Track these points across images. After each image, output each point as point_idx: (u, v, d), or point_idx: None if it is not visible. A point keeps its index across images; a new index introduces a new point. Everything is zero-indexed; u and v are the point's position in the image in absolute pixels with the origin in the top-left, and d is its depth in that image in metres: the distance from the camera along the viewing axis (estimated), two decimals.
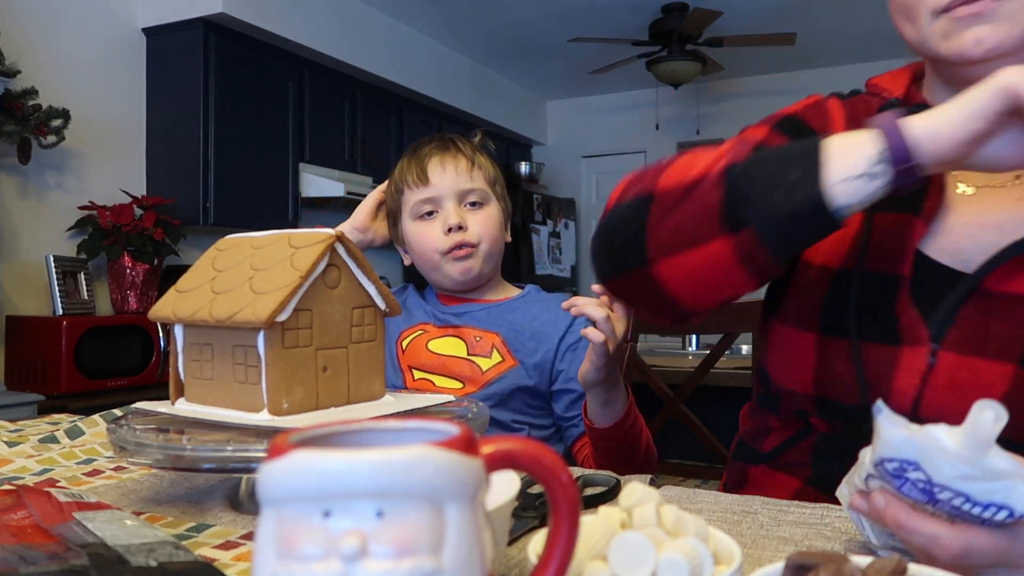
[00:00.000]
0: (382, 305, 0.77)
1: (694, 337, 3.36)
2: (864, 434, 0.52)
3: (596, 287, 0.90)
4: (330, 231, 0.72)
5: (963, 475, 0.45)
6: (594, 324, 0.94)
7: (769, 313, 0.84)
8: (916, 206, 0.72)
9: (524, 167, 5.61)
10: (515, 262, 5.13)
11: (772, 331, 0.82)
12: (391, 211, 1.25)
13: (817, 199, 0.58)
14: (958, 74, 0.72)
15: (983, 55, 0.66)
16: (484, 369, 1.15)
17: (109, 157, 3.19)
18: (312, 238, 0.71)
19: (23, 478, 0.80)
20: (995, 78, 0.54)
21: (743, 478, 0.85)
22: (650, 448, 1.10)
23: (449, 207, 1.18)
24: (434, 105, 4.85)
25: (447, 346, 1.18)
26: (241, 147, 3.45)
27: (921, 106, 0.73)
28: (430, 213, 1.19)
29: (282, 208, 3.70)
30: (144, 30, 3.36)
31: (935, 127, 0.56)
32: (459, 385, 1.14)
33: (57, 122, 2.80)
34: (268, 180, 3.63)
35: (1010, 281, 0.66)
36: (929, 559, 0.47)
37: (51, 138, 2.79)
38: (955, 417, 0.53)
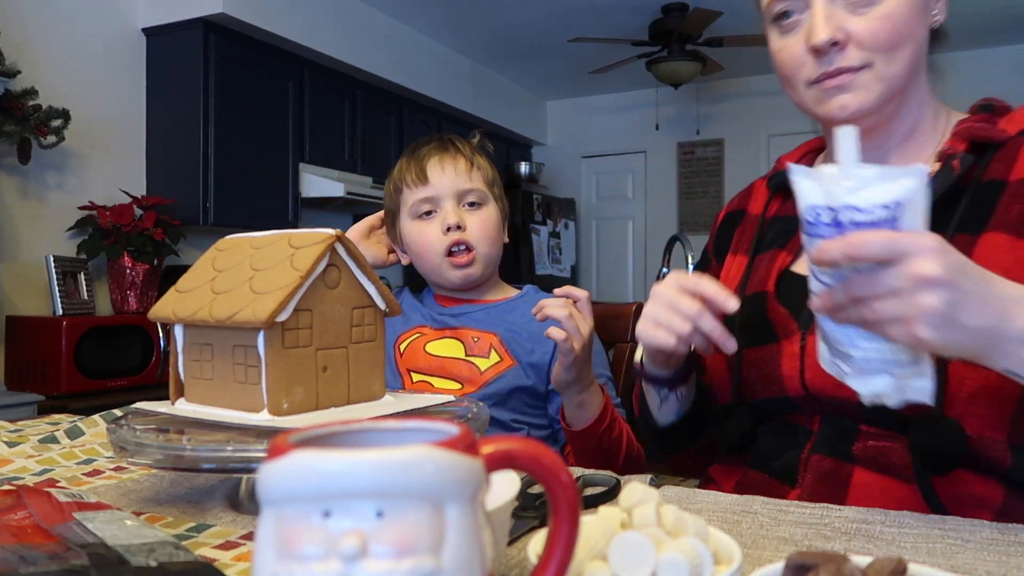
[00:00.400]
0: (382, 305, 0.77)
1: None
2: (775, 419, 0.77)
3: (558, 289, 0.94)
4: (330, 231, 0.72)
5: (848, 190, 0.54)
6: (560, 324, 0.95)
7: None
8: (784, 243, 0.92)
9: (524, 167, 5.61)
10: (515, 262, 5.13)
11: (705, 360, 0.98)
12: (389, 211, 1.25)
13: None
14: None
15: (849, 117, 0.82)
16: (483, 369, 1.14)
17: (109, 157, 3.19)
18: (312, 238, 0.71)
19: (23, 478, 0.80)
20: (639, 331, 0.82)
21: (709, 477, 0.96)
22: (633, 449, 1.10)
23: (448, 207, 1.18)
24: (434, 105, 4.85)
25: (445, 348, 1.17)
26: (241, 147, 3.45)
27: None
28: (429, 213, 1.19)
29: (282, 208, 3.70)
30: (144, 30, 3.36)
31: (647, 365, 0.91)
32: (458, 386, 1.14)
33: (57, 122, 2.80)
34: (268, 180, 3.62)
35: None
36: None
37: (51, 138, 2.79)
38: (835, 387, 0.74)
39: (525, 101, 6.00)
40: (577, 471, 0.79)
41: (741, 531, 0.62)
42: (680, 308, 0.78)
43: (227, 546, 0.59)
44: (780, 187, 0.98)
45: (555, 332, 0.95)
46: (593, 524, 0.42)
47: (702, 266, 1.08)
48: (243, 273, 0.71)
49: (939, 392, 0.73)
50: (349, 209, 4.36)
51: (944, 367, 0.73)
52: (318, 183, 3.80)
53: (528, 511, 0.63)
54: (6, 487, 0.68)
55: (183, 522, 0.65)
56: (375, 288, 0.76)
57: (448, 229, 1.17)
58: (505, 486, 0.49)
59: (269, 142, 3.62)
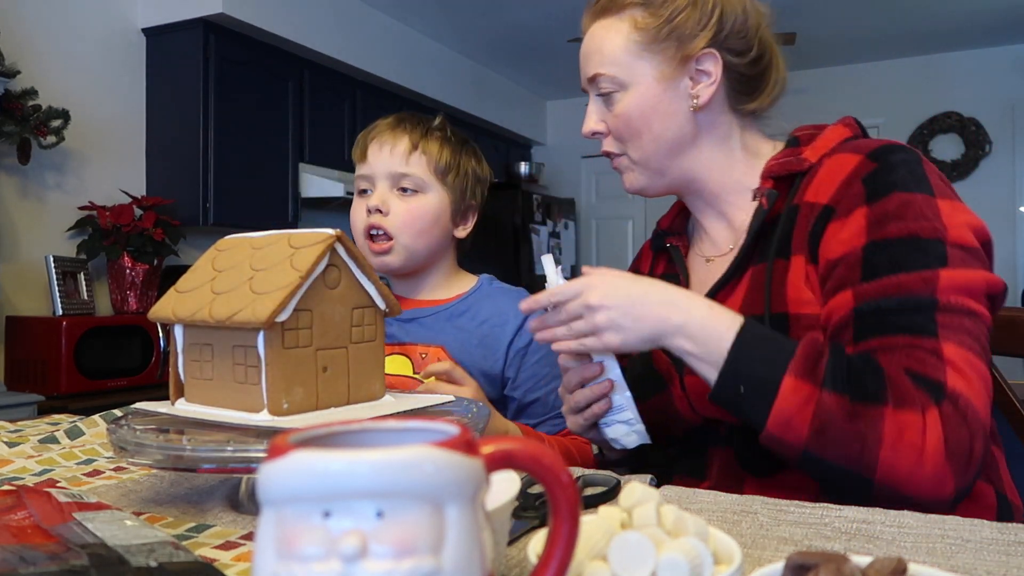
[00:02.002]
0: (382, 305, 0.77)
1: None
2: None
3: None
4: (330, 231, 0.72)
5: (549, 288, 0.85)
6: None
7: None
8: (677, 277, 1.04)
9: (524, 167, 5.61)
10: (515, 262, 5.13)
11: None
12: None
13: None
14: None
15: (634, 193, 0.99)
16: None
17: (109, 157, 3.19)
18: (312, 238, 0.71)
19: (23, 478, 0.80)
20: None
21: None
22: (576, 457, 1.10)
23: (379, 188, 1.15)
24: (434, 105, 4.85)
25: (393, 365, 1.13)
26: (241, 147, 3.45)
27: (673, 233, 1.06)
28: (364, 191, 1.17)
29: (282, 208, 3.70)
30: (144, 30, 3.36)
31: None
32: None
33: (57, 122, 2.80)
34: (268, 180, 3.62)
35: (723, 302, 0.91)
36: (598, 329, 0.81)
37: (51, 138, 2.79)
38: (717, 411, 0.89)
39: (525, 101, 6.00)
40: (577, 471, 0.79)
41: (741, 531, 0.62)
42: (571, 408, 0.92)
43: (227, 546, 0.59)
44: (659, 249, 1.09)
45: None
46: (593, 524, 0.42)
47: None
48: (243, 273, 0.71)
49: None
50: (349, 209, 4.35)
51: None
52: (318, 183, 3.80)
53: (528, 511, 0.63)
54: (6, 487, 0.68)
55: (183, 522, 0.65)
56: (375, 288, 0.76)
57: (368, 211, 1.14)
58: (505, 486, 0.49)
59: (269, 142, 3.62)
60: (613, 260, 6.14)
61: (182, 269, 3.03)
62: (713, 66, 0.92)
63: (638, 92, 0.93)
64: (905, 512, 0.65)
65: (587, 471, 0.79)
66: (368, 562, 0.29)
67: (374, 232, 1.14)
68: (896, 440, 0.72)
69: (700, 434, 0.95)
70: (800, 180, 0.90)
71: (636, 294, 0.80)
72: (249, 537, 0.61)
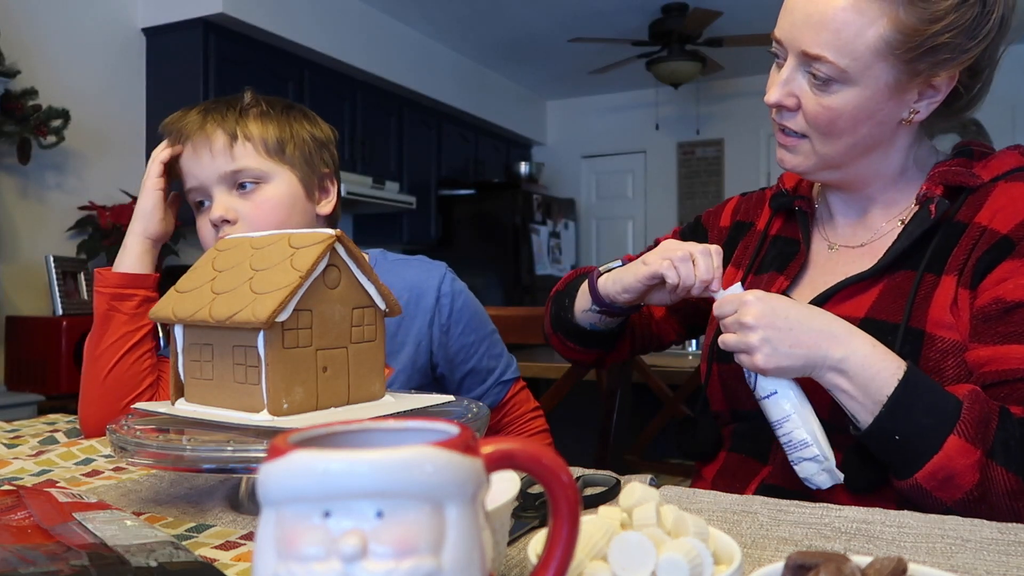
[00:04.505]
0: (382, 305, 0.77)
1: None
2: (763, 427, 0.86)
3: None
4: (330, 231, 0.72)
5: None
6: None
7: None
8: (782, 266, 0.97)
9: (524, 167, 5.61)
10: (515, 262, 5.13)
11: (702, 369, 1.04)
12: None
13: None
14: None
15: (789, 170, 0.93)
16: None
17: (109, 157, 3.19)
18: (312, 238, 0.71)
19: (22, 479, 0.80)
20: (649, 259, 0.90)
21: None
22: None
23: (217, 197, 1.00)
24: (434, 105, 4.85)
25: None
26: None
27: (800, 197, 0.99)
28: (201, 203, 1.03)
29: None
30: (144, 30, 3.36)
31: (606, 282, 0.97)
32: None
33: (57, 122, 2.80)
34: None
35: (839, 306, 0.87)
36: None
37: (51, 138, 2.79)
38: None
39: (525, 101, 6.00)
40: (577, 471, 0.79)
41: (741, 531, 0.62)
42: (699, 265, 0.87)
43: (227, 546, 0.59)
44: (781, 208, 1.01)
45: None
46: (593, 524, 0.42)
47: (691, 231, 1.14)
48: (243, 273, 0.71)
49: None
50: (349, 209, 4.36)
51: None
52: None
53: (528, 511, 0.63)
54: (6, 487, 0.68)
55: (183, 522, 0.65)
56: (375, 288, 0.76)
57: (215, 225, 1.00)
58: (505, 486, 0.49)
59: None
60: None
61: (182, 269, 3.03)
62: (946, 85, 0.84)
63: (863, 94, 0.82)
64: (905, 512, 0.65)
65: (587, 471, 0.79)
66: (368, 562, 0.29)
67: None
68: None
69: (748, 418, 0.92)
70: (966, 196, 0.85)
71: (795, 318, 0.77)
72: (249, 537, 0.61)
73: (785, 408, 0.80)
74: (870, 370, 0.75)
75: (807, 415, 0.80)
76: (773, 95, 0.86)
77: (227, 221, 0.99)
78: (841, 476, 0.79)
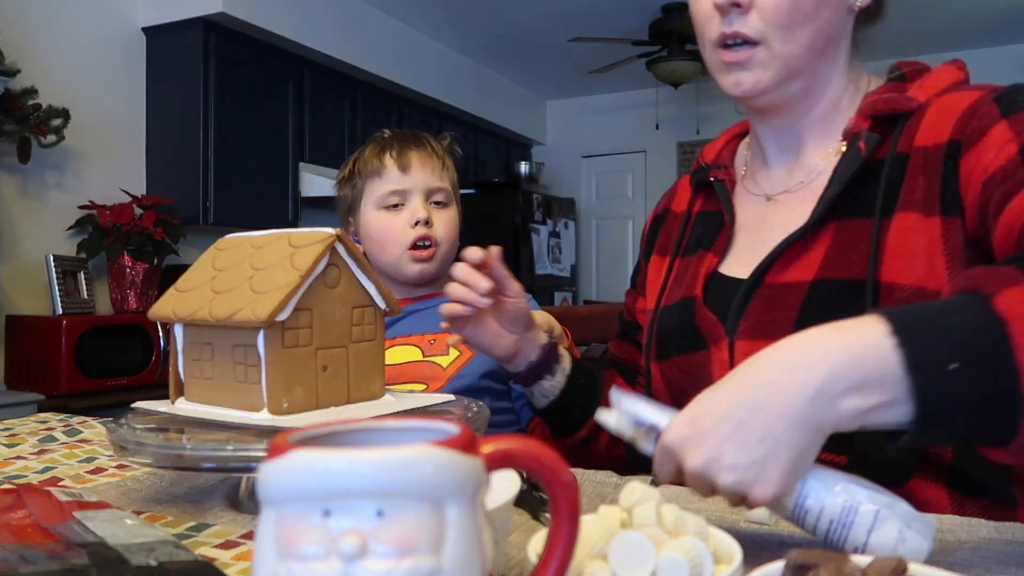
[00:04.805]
0: (382, 304, 0.77)
1: None
2: None
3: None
4: (330, 231, 0.72)
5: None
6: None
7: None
8: (710, 243, 0.89)
9: (524, 167, 5.61)
10: (515, 262, 5.13)
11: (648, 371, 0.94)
12: (345, 199, 1.29)
13: None
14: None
15: (741, 95, 0.82)
16: (444, 366, 1.14)
17: (109, 157, 3.19)
18: (312, 238, 0.71)
19: (26, 476, 0.80)
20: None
21: None
22: None
23: (417, 201, 1.19)
24: (434, 105, 4.85)
25: (401, 354, 1.16)
26: (241, 147, 3.45)
27: (718, 167, 0.93)
28: (396, 205, 1.20)
29: (282, 208, 3.70)
30: (144, 30, 3.36)
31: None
32: (423, 386, 1.13)
33: (57, 122, 2.80)
34: (268, 180, 3.62)
35: (782, 273, 0.79)
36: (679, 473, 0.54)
37: (51, 138, 2.79)
38: None
39: (525, 101, 6.00)
40: (578, 472, 0.79)
41: (741, 531, 0.62)
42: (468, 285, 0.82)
43: (227, 545, 0.59)
44: (703, 184, 0.96)
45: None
46: (593, 524, 0.42)
47: (636, 273, 1.06)
48: (243, 272, 0.71)
49: None
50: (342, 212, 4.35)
51: None
52: (318, 183, 3.80)
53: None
54: (6, 486, 0.68)
55: (183, 521, 0.65)
56: (375, 287, 0.76)
57: (416, 223, 1.18)
58: (505, 486, 0.49)
59: (269, 142, 3.62)
60: (613, 260, 6.14)
61: (182, 268, 3.02)
62: None
63: None
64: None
65: (587, 471, 0.79)
66: (368, 561, 0.29)
67: (420, 243, 1.19)
68: None
69: None
70: (904, 123, 0.77)
71: (737, 405, 0.51)
72: (249, 536, 0.61)
73: (832, 497, 0.52)
74: (861, 358, 0.50)
75: (858, 490, 0.52)
76: None
77: (428, 222, 1.19)
78: (932, 540, 0.52)
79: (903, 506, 0.52)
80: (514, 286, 0.86)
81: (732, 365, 0.79)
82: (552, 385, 0.91)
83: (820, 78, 0.83)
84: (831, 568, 0.38)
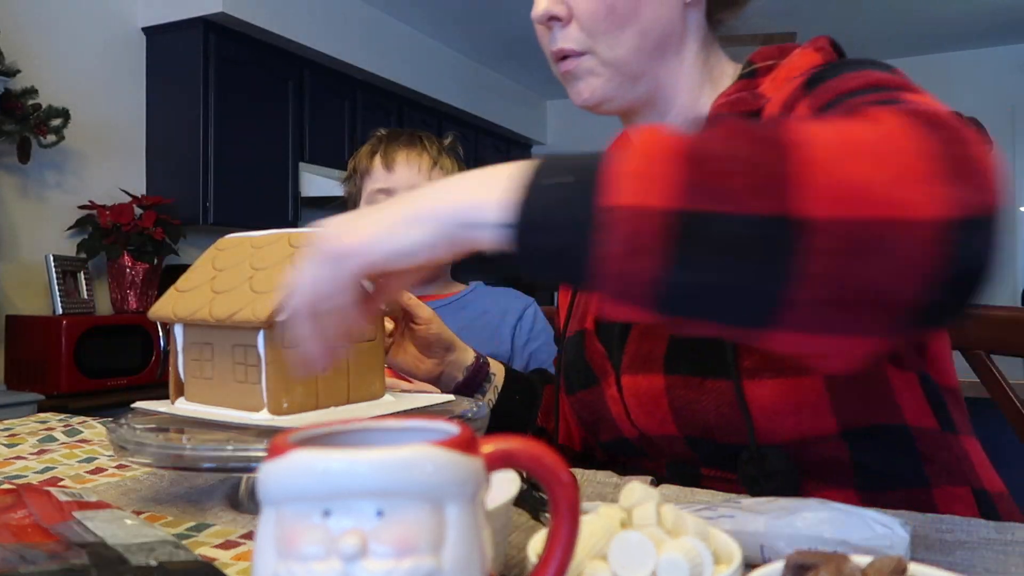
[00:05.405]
0: (382, 304, 0.77)
1: None
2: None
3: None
4: None
5: None
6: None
7: None
8: None
9: None
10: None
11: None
12: (350, 195, 1.29)
13: None
14: None
15: (584, 104, 0.78)
16: None
17: (109, 157, 3.19)
18: (312, 238, 0.71)
19: (26, 476, 0.80)
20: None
21: None
22: None
23: None
24: (434, 105, 4.85)
25: None
26: (241, 147, 3.45)
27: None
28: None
29: (282, 208, 3.70)
30: (144, 30, 3.36)
31: None
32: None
33: (57, 122, 2.80)
34: (268, 180, 3.62)
35: None
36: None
37: (51, 138, 2.79)
38: (658, 426, 0.75)
39: (525, 101, 6.00)
40: (577, 472, 0.79)
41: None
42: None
43: (227, 545, 0.59)
44: None
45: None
46: (593, 524, 0.42)
47: None
48: (243, 272, 0.71)
49: (748, 426, 0.69)
50: (348, 209, 4.35)
51: (739, 393, 0.68)
52: (318, 183, 3.80)
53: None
54: (6, 486, 0.68)
55: (183, 521, 0.65)
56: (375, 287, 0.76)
57: None
58: (505, 486, 0.49)
59: (269, 142, 3.62)
60: None
61: (182, 268, 3.03)
62: None
63: None
64: (903, 512, 0.65)
65: (587, 471, 0.79)
66: (368, 561, 0.29)
67: None
68: (830, 144, 0.42)
69: (629, 450, 0.81)
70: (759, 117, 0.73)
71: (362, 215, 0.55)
72: (249, 536, 0.61)
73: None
74: (495, 174, 0.48)
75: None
76: (539, 7, 0.76)
77: None
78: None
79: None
80: (423, 313, 0.87)
81: (623, 401, 0.78)
82: (485, 403, 0.91)
83: (665, 79, 0.79)
84: (831, 568, 0.38)
